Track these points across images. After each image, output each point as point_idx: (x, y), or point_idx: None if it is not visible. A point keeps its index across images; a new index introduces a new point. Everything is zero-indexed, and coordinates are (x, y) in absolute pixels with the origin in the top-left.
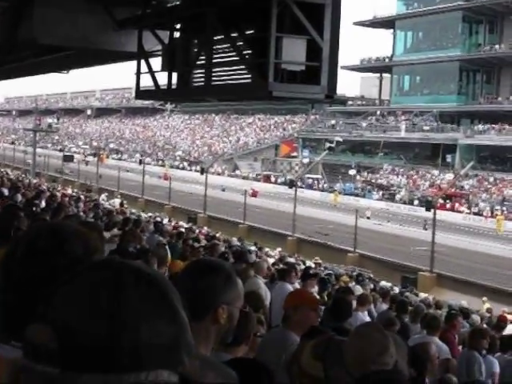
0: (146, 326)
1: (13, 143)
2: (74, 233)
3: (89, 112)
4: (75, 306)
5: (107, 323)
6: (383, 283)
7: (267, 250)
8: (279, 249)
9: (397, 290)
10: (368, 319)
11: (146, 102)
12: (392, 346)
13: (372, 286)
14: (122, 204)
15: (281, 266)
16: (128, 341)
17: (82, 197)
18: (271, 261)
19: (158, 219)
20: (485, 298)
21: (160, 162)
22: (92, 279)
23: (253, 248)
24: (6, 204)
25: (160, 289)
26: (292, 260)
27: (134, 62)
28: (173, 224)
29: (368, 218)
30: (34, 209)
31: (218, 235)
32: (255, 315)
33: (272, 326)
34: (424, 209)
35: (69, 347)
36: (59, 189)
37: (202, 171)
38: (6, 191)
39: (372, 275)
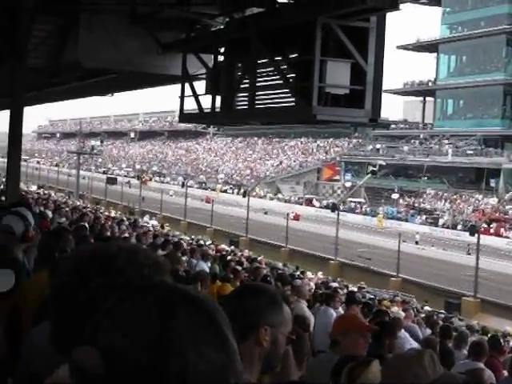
0: (195, 352)
1: (57, 165)
2: (124, 254)
3: (132, 135)
4: (123, 331)
5: (155, 349)
6: (427, 308)
7: (309, 273)
8: (321, 273)
9: (441, 315)
10: (410, 341)
11: (189, 125)
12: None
13: (416, 310)
14: (162, 226)
15: (323, 290)
16: (176, 367)
17: (124, 219)
18: (313, 285)
19: (201, 242)
20: None
21: (203, 185)
22: (140, 303)
23: (296, 272)
24: (49, 226)
25: (209, 314)
26: (335, 284)
27: (178, 85)
28: (213, 246)
29: (416, 242)
30: (79, 231)
31: (259, 258)
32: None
33: (315, 350)
34: (467, 233)
35: (115, 372)
36: (102, 211)
37: (245, 194)
38: (50, 213)
39: (415, 300)
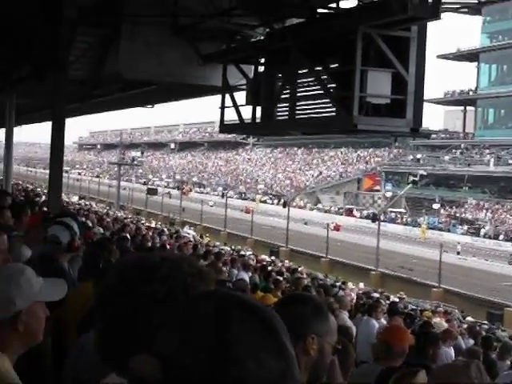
0: (253, 359)
1: (98, 176)
2: (168, 263)
3: (172, 146)
4: (181, 338)
5: (213, 356)
6: (469, 319)
7: (350, 284)
8: (362, 284)
9: (484, 325)
10: (452, 354)
11: (229, 135)
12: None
13: (459, 321)
14: (201, 236)
15: (364, 300)
16: (234, 374)
17: (165, 229)
18: (354, 295)
19: (242, 252)
20: None
21: (242, 196)
22: (197, 311)
23: (337, 282)
24: (93, 236)
25: (267, 321)
26: (377, 295)
27: (218, 96)
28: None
29: (458, 252)
30: (121, 241)
31: (300, 269)
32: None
33: (357, 361)
34: (509, 243)
35: (173, 380)
36: (143, 221)
37: (285, 204)
38: (91, 224)
39: (457, 310)
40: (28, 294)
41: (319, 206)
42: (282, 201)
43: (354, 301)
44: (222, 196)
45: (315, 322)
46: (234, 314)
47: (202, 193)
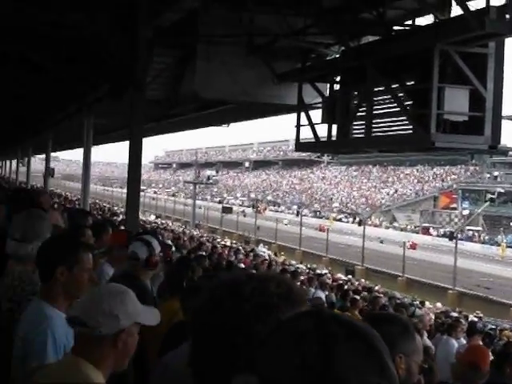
0: (357, 380)
1: (173, 195)
2: (254, 282)
3: (247, 164)
4: (282, 359)
5: (317, 377)
6: None
7: (427, 303)
8: (439, 303)
9: None
10: None
11: (303, 154)
12: None
13: None
14: (275, 254)
15: (443, 319)
16: None
17: (240, 248)
18: (432, 315)
19: (318, 271)
20: None
21: (317, 214)
22: (299, 331)
23: (415, 301)
24: (171, 255)
25: (369, 341)
26: (455, 314)
27: (292, 114)
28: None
29: None
30: (198, 260)
31: (376, 288)
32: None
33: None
34: None
35: None
36: (219, 240)
37: (360, 223)
38: (169, 242)
39: None
40: (131, 314)
41: (395, 224)
42: (358, 219)
43: (433, 320)
44: (297, 214)
45: (403, 341)
46: (336, 335)
47: (277, 211)
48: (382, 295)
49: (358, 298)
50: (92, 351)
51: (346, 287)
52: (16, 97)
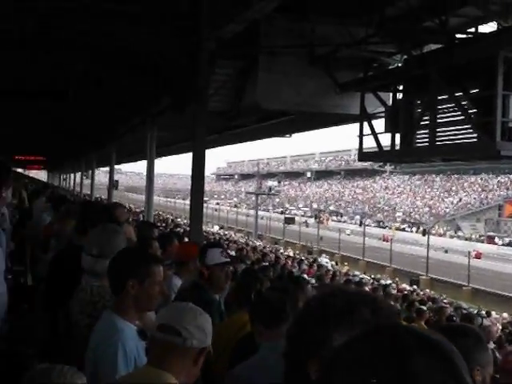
0: None
1: (235, 206)
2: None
3: (309, 175)
4: (358, 374)
5: None
6: None
7: (493, 313)
8: (505, 313)
9: None
10: None
11: (366, 163)
12: None
13: None
14: (336, 263)
15: (510, 330)
16: None
17: (303, 258)
18: (499, 325)
19: (382, 281)
20: None
21: (380, 224)
22: (375, 345)
23: (481, 311)
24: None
25: (447, 356)
26: None
27: (353, 124)
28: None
29: None
30: (263, 271)
31: (441, 298)
32: None
33: None
34: None
35: None
36: (281, 251)
37: (424, 232)
38: (233, 253)
39: None
40: (211, 335)
41: (459, 233)
42: (421, 229)
43: (500, 331)
44: (360, 224)
45: (478, 353)
46: (413, 350)
47: (339, 221)
48: (447, 305)
49: (424, 308)
50: (172, 363)
51: (411, 298)
52: (80, 110)
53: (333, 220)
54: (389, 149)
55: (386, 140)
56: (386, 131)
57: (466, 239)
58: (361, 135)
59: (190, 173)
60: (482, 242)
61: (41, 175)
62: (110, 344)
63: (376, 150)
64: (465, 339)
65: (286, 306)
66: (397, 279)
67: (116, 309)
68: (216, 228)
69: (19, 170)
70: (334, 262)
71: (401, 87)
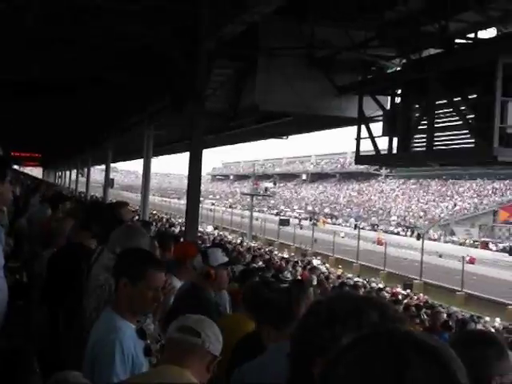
0: None
1: (230, 207)
2: (370, 302)
3: (304, 177)
4: (356, 379)
5: None
6: None
7: (487, 319)
8: (498, 319)
9: None
10: None
11: (361, 166)
12: None
13: None
14: (324, 263)
15: (505, 335)
16: None
17: (298, 261)
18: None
19: (374, 285)
20: None
21: (375, 227)
22: (373, 350)
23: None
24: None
25: (445, 364)
26: None
27: (349, 127)
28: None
29: None
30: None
31: (435, 302)
32: None
33: None
34: None
35: None
36: (276, 252)
37: (419, 237)
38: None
39: None
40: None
41: (454, 238)
42: (416, 233)
43: None
44: (355, 227)
45: (499, 362)
46: (410, 355)
47: (334, 224)
48: (442, 310)
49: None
50: (189, 363)
51: (405, 302)
52: (77, 108)
53: (327, 223)
54: (386, 152)
55: (383, 143)
56: (384, 135)
57: (461, 244)
58: (358, 138)
59: (184, 172)
60: (477, 247)
61: (36, 172)
62: (108, 343)
63: (373, 153)
64: (485, 349)
65: (292, 307)
66: (381, 280)
67: (115, 307)
68: (210, 228)
69: (15, 167)
70: (328, 265)
71: (399, 91)
